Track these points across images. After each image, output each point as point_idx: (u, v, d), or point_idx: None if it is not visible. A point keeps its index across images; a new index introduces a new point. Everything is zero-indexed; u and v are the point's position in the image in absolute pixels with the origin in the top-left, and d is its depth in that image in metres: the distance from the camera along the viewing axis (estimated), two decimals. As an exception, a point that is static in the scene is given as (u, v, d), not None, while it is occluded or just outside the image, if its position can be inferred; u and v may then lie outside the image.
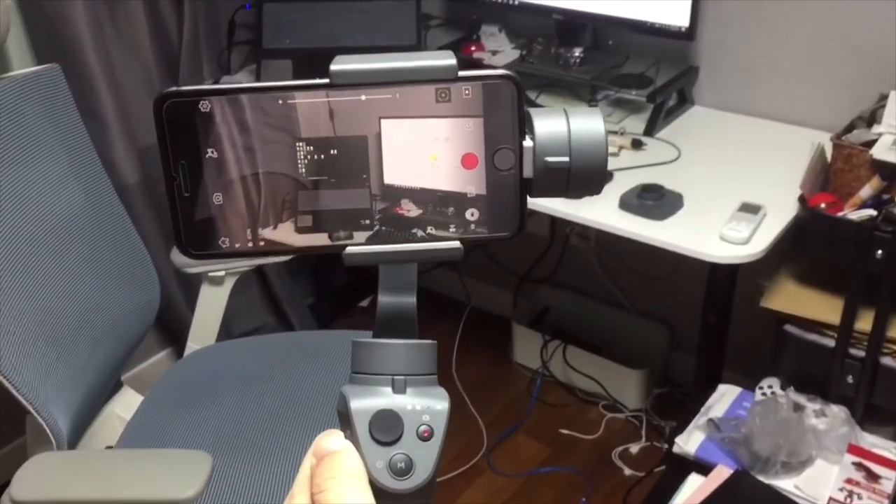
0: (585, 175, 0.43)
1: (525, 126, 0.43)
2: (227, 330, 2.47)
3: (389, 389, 0.43)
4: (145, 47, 2.04)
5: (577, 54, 2.04)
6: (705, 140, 1.89)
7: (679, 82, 1.96)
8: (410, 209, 0.43)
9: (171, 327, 2.28)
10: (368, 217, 0.43)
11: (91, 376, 1.46)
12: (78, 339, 1.42)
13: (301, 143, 0.42)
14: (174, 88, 0.42)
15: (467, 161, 0.42)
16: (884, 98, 1.71)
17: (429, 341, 0.45)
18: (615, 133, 1.88)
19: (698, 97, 2.04)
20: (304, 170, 0.42)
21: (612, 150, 1.84)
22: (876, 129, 1.59)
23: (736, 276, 1.73)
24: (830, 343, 1.63)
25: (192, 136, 0.42)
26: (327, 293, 2.72)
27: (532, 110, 0.43)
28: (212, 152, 0.42)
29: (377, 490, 0.41)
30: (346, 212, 0.43)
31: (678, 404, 2.27)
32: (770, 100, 1.95)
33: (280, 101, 0.42)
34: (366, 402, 0.43)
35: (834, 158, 1.61)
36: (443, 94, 0.41)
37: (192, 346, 1.71)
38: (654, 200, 1.61)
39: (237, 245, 0.43)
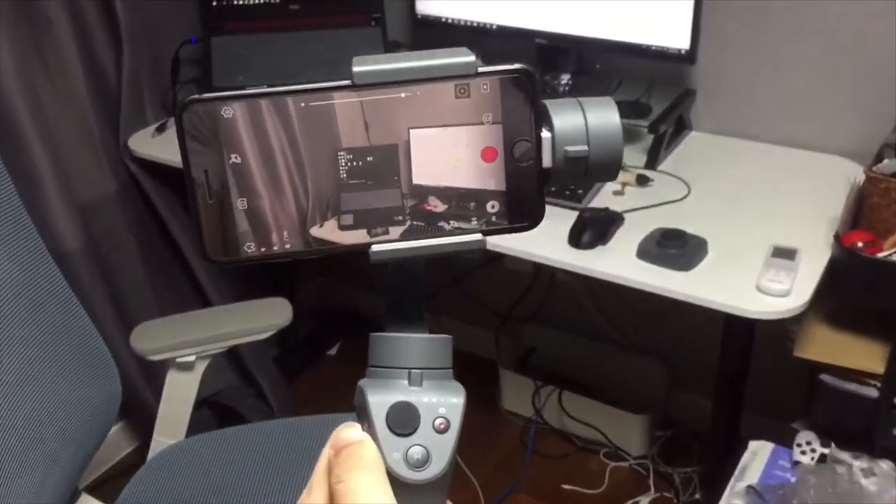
0: (604, 162, 0.45)
1: (542, 117, 0.44)
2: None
3: (406, 382, 0.44)
4: (81, 94, 1.80)
5: (564, 81, 1.87)
6: (712, 170, 1.74)
7: (678, 108, 1.81)
8: (437, 205, 0.44)
9: (133, 420, 2.04)
10: (400, 213, 0.44)
11: (49, 495, 1.23)
12: (29, 457, 1.19)
13: (343, 152, 0.43)
14: (195, 96, 0.41)
15: (487, 155, 0.43)
16: (906, 121, 1.58)
17: (444, 336, 0.45)
18: (616, 168, 1.71)
19: (696, 122, 1.89)
20: (344, 175, 0.43)
21: (615, 187, 1.67)
22: (911, 158, 1.45)
23: (755, 321, 1.58)
24: (872, 393, 1.49)
25: (215, 142, 0.42)
26: (293, 344, 2.50)
27: (547, 102, 0.44)
28: (235, 158, 0.42)
29: (394, 481, 0.42)
30: (379, 210, 0.44)
31: (685, 448, 2.13)
32: (776, 123, 1.81)
33: (303, 104, 0.42)
34: (383, 395, 0.43)
35: (869, 192, 1.47)
36: (462, 90, 0.42)
37: (159, 440, 1.48)
38: (676, 248, 1.45)
39: (263, 249, 0.43)
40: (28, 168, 1.69)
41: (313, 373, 2.51)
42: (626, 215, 1.57)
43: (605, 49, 1.78)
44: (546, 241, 1.53)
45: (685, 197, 1.64)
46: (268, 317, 1.44)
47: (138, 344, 1.40)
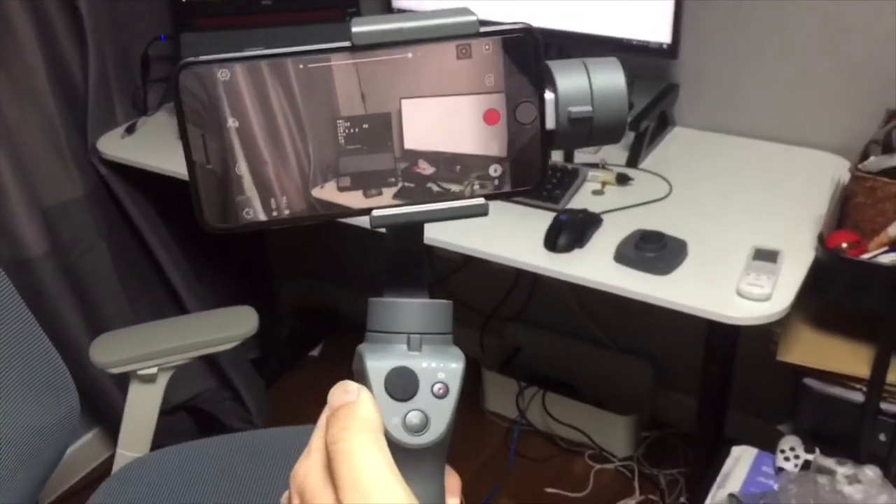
0: (608, 124, 0.43)
1: (545, 78, 0.42)
2: (164, 400, 2.20)
3: (405, 347, 0.44)
4: (45, 96, 1.75)
5: (543, 77, 1.82)
6: (695, 168, 1.69)
7: (661, 104, 1.76)
8: (426, 167, 0.43)
9: (106, 428, 2.00)
10: (393, 175, 0.43)
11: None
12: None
13: (341, 120, 0.42)
14: (192, 58, 0.40)
15: (490, 117, 0.42)
16: (892, 116, 1.53)
17: (445, 301, 0.45)
18: (596, 167, 1.66)
19: (679, 117, 1.84)
20: (342, 140, 0.42)
21: (595, 186, 1.63)
22: (897, 155, 1.40)
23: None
24: (858, 397, 1.45)
25: (213, 106, 0.41)
26: (273, 345, 2.46)
27: (551, 63, 0.43)
28: (234, 121, 0.41)
29: (393, 446, 0.42)
30: (373, 172, 0.43)
31: (671, 450, 2.09)
32: (760, 118, 1.76)
33: (301, 66, 0.41)
34: (381, 360, 0.43)
35: (854, 191, 1.42)
36: (463, 51, 0.41)
37: (122, 453, 1.44)
38: (655, 251, 1.40)
39: (262, 216, 0.42)
40: (-10, 176, 1.64)
41: (295, 374, 2.46)
42: (604, 216, 1.52)
43: (585, 43, 1.73)
44: (522, 245, 1.48)
45: (666, 196, 1.60)
46: (232, 326, 1.39)
47: (98, 357, 1.35)
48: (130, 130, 1.92)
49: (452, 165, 0.43)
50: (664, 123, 1.80)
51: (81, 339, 1.77)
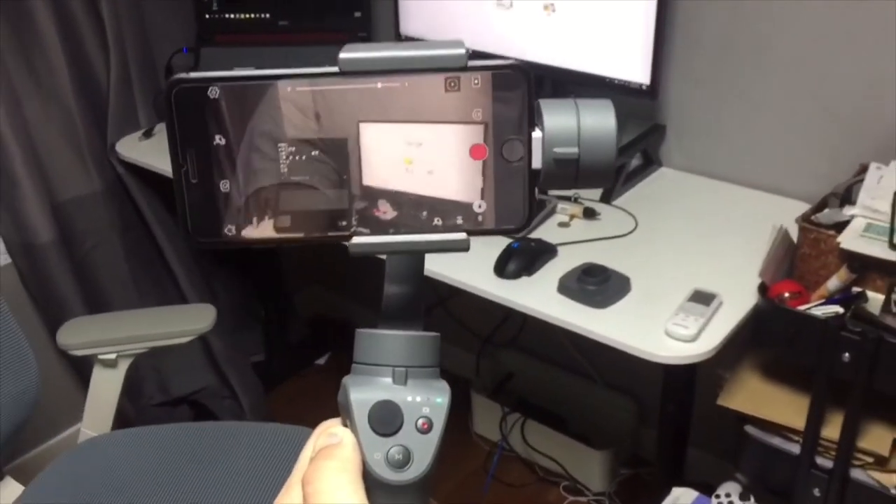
0: (594, 167, 0.43)
1: (535, 117, 0.42)
2: (166, 390, 2.32)
3: (390, 381, 0.43)
4: (67, 95, 1.89)
5: (532, 109, 1.86)
6: (667, 209, 1.71)
7: (642, 143, 1.78)
8: (387, 211, 0.42)
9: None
10: (345, 218, 0.42)
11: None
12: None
13: (283, 145, 0.42)
14: (183, 74, 0.41)
15: (476, 152, 0.42)
16: (863, 170, 1.52)
17: (432, 333, 0.44)
18: (568, 199, 1.70)
19: (666, 158, 1.86)
20: (285, 169, 0.42)
21: (562, 219, 1.66)
22: (849, 209, 1.40)
23: (694, 365, 1.54)
24: (796, 449, 1.44)
25: (201, 122, 0.41)
26: (280, 349, 2.55)
27: (542, 101, 0.43)
28: (219, 139, 0.41)
29: (375, 482, 0.41)
30: (325, 213, 0.42)
31: (645, 487, 2.08)
32: (743, 164, 1.76)
33: (289, 89, 0.41)
34: (366, 393, 0.42)
35: (800, 242, 1.43)
36: (452, 84, 0.41)
37: (85, 432, 1.54)
38: (595, 285, 1.43)
39: (243, 233, 0.42)
40: (3, 164, 1.78)
41: (298, 380, 2.55)
42: (561, 248, 1.56)
43: (570, 79, 1.77)
44: (473, 267, 1.53)
45: (629, 233, 1.62)
46: (190, 322, 1.48)
47: (63, 339, 1.46)
48: (148, 135, 2.05)
49: (437, 200, 0.43)
50: (648, 163, 1.83)
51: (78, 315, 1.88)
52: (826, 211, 1.44)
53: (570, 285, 1.44)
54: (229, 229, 0.42)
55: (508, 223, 0.43)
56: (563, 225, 1.65)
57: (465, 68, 0.41)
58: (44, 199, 1.86)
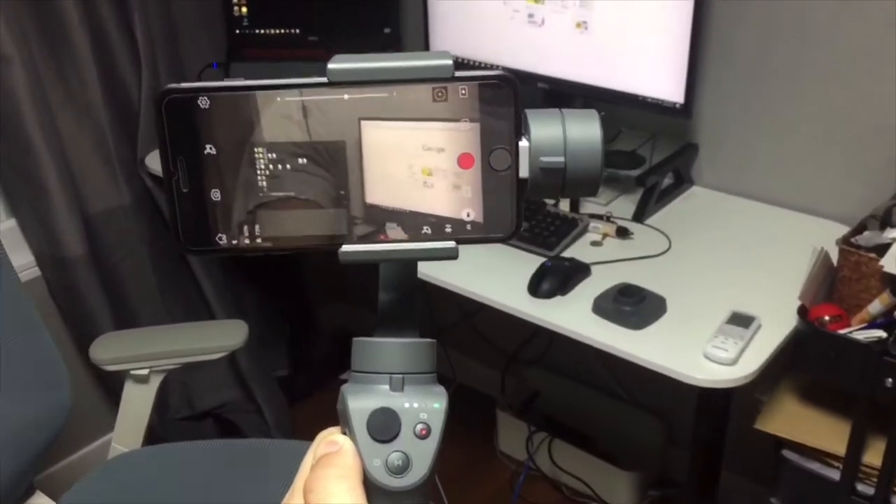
0: (580, 176, 0.44)
1: (522, 126, 0.43)
2: (190, 405, 2.31)
3: (387, 388, 0.44)
4: (99, 110, 1.90)
5: (564, 127, 1.85)
6: (701, 229, 1.69)
7: (675, 162, 1.77)
8: (380, 219, 0.43)
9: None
10: (338, 226, 0.43)
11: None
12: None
13: (260, 149, 0.42)
14: (174, 84, 0.42)
15: (464, 161, 0.42)
16: (902, 191, 1.51)
17: (427, 340, 0.45)
18: (600, 218, 1.68)
19: (698, 177, 1.84)
20: (276, 178, 0.42)
21: (595, 238, 1.65)
22: (890, 232, 1.38)
23: (730, 389, 1.52)
24: (835, 475, 1.41)
25: (192, 132, 0.42)
26: (304, 365, 2.55)
27: (529, 111, 0.43)
28: (210, 148, 0.42)
29: (374, 488, 0.42)
30: (317, 221, 0.43)
31: (674, 510, 2.06)
32: (776, 184, 1.74)
33: (278, 99, 0.41)
34: (363, 401, 0.43)
35: (841, 265, 1.40)
36: (439, 94, 0.42)
37: (116, 447, 1.53)
38: (631, 306, 1.41)
39: (234, 242, 0.43)
40: (35, 175, 1.79)
41: (322, 396, 2.54)
42: (595, 267, 1.55)
43: (603, 97, 1.76)
44: (508, 287, 1.52)
45: (663, 253, 1.60)
46: (222, 338, 1.47)
47: (96, 354, 1.46)
48: (178, 148, 2.04)
49: (426, 208, 0.43)
50: (680, 181, 1.81)
51: (106, 330, 1.88)
52: (866, 233, 1.41)
53: (605, 306, 1.43)
54: (220, 238, 0.43)
55: (497, 231, 0.43)
56: (595, 244, 1.64)
57: (452, 78, 0.42)
58: (75, 212, 1.86)
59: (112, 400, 2.04)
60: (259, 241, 0.43)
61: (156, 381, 1.49)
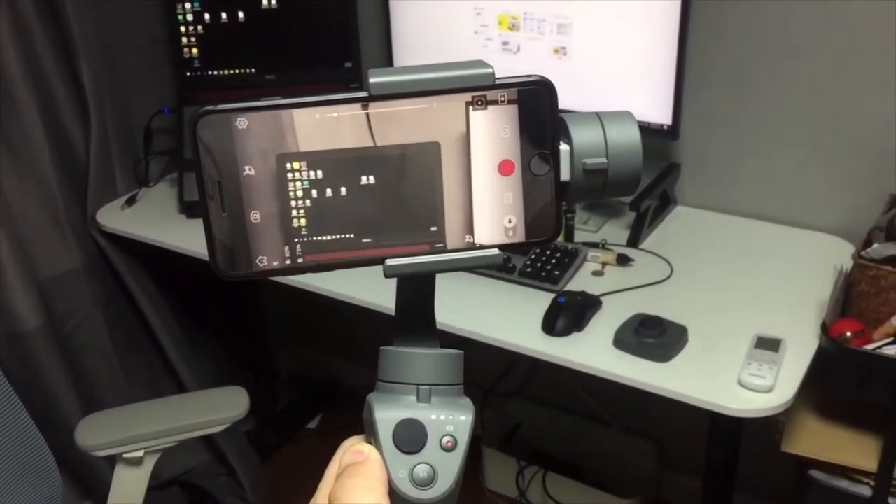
0: (623, 175, 0.44)
1: (560, 130, 0.43)
2: (155, 475, 2.15)
3: (414, 399, 0.43)
4: (46, 168, 1.75)
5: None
6: (697, 249, 1.67)
7: (662, 184, 1.74)
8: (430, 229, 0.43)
9: None
10: (379, 241, 0.43)
11: None
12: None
13: (299, 166, 0.42)
14: (210, 106, 0.40)
15: (504, 168, 0.42)
16: (893, 201, 1.52)
17: (456, 351, 0.45)
18: (597, 246, 1.64)
19: (681, 197, 1.83)
20: (317, 196, 0.42)
21: (595, 267, 1.61)
22: (901, 243, 1.38)
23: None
24: (865, 491, 1.40)
25: (229, 153, 0.41)
26: (269, 418, 2.42)
27: (565, 115, 0.43)
28: (249, 170, 0.41)
29: (399, 500, 0.41)
30: (362, 237, 0.43)
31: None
32: (762, 198, 1.74)
33: (318, 115, 0.41)
34: (390, 412, 0.43)
35: (857, 279, 1.40)
36: (479, 102, 0.41)
37: (108, 537, 1.40)
38: (654, 338, 1.37)
39: (275, 264, 0.42)
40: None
41: (292, 448, 2.42)
42: (604, 298, 1.50)
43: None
44: (520, 327, 1.46)
45: (667, 278, 1.57)
46: (222, 409, 1.37)
47: (83, 440, 1.32)
48: (131, 202, 1.91)
49: (482, 217, 0.43)
50: (666, 202, 1.79)
51: (74, 416, 1.73)
52: (875, 246, 1.41)
53: (627, 339, 1.38)
54: (261, 260, 0.42)
55: (539, 236, 0.44)
56: (597, 274, 1.59)
57: (492, 86, 0.41)
58: (28, 281, 1.71)
59: (84, 484, 1.89)
60: (301, 261, 0.42)
61: (150, 463, 1.37)
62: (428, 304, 0.46)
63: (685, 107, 1.71)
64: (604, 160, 0.43)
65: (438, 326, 1.50)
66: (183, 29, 1.87)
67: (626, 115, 0.45)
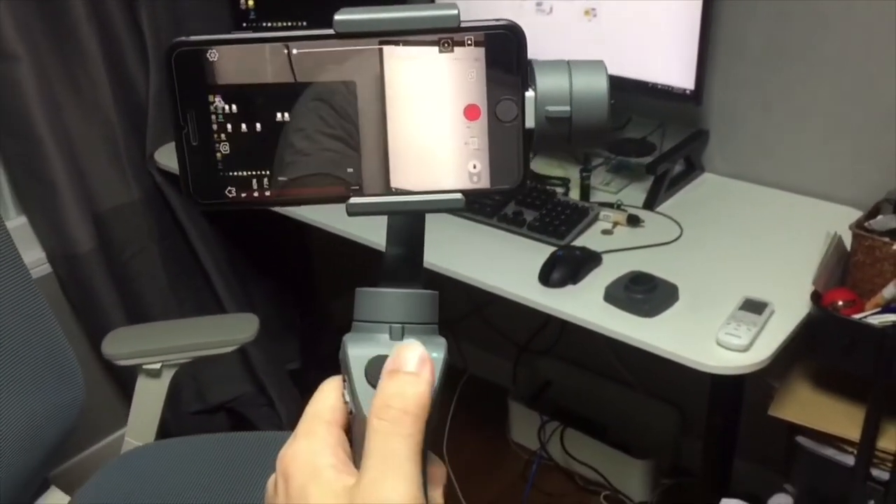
0: (586, 125, 0.44)
1: (528, 77, 0.43)
2: (202, 399, 2.32)
3: (387, 336, 0.44)
4: (108, 107, 1.90)
5: (572, 115, 1.85)
6: (712, 215, 1.68)
7: (685, 149, 1.76)
8: (392, 168, 0.43)
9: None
10: (347, 178, 0.43)
11: (7, 486, 1.29)
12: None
13: (268, 101, 0.42)
14: (183, 38, 0.41)
15: (470, 112, 0.42)
16: (915, 175, 1.49)
17: (429, 291, 0.45)
18: (611, 206, 1.68)
19: (709, 164, 1.83)
20: (287, 130, 0.42)
21: (605, 226, 1.64)
22: (903, 216, 1.37)
23: (743, 375, 1.51)
24: (850, 460, 1.41)
25: (201, 85, 0.42)
26: (315, 358, 2.54)
27: (535, 61, 0.43)
28: (219, 101, 0.42)
29: None
30: (327, 172, 0.43)
31: (689, 498, 2.05)
32: (788, 170, 1.73)
33: (285, 51, 0.41)
34: (362, 349, 0.43)
35: (854, 249, 1.40)
36: (446, 44, 0.41)
37: (130, 441, 1.54)
38: (643, 294, 1.40)
39: (243, 195, 0.43)
40: (45, 173, 1.79)
41: (333, 388, 2.54)
42: (606, 256, 1.54)
43: (613, 84, 1.74)
44: (518, 277, 1.52)
45: (674, 241, 1.60)
46: (233, 331, 1.48)
47: (108, 349, 1.46)
48: (187, 143, 2.05)
49: (445, 160, 0.43)
50: (691, 168, 1.80)
51: (118, 325, 1.88)
52: (880, 217, 1.41)
53: (616, 294, 1.42)
54: (230, 191, 0.43)
55: (503, 183, 0.43)
56: (606, 232, 1.63)
57: (458, 28, 0.41)
58: (84, 209, 1.87)
59: (124, 395, 2.05)
60: (268, 193, 0.43)
61: (168, 375, 1.49)
62: (413, 245, 0.46)
63: (715, 75, 1.72)
64: (567, 108, 0.43)
65: (445, 273, 1.59)
66: (239, -19, 1.98)
67: (597, 65, 0.44)
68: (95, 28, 1.83)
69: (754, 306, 1.36)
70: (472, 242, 1.61)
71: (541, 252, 1.55)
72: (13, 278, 1.33)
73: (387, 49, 0.42)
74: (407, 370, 0.41)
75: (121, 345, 1.47)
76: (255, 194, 0.43)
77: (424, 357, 0.42)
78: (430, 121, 0.43)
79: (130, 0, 1.86)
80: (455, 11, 0.41)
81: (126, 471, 1.46)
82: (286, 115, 0.42)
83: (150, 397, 1.50)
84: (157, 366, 1.46)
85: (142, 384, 1.50)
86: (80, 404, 1.41)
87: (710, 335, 1.32)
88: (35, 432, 1.35)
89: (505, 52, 0.42)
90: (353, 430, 0.43)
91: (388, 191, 0.43)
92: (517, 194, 1.63)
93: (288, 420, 2.28)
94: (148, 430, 1.53)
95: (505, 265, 1.56)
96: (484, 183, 0.43)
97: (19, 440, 1.32)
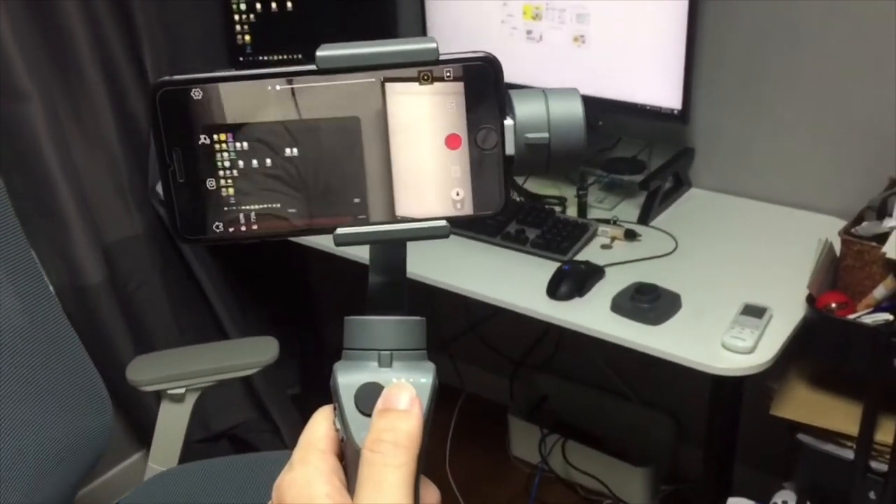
0: (564, 150, 0.45)
1: (506, 105, 0.44)
2: (205, 427, 2.34)
3: (376, 364, 0.45)
4: (111, 140, 1.94)
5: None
6: (704, 228, 1.76)
7: (674, 166, 1.84)
8: (375, 200, 0.45)
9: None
10: (332, 209, 0.45)
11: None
12: (7, 480, 1.28)
13: (252, 137, 0.43)
14: (167, 77, 0.43)
15: (451, 141, 0.44)
16: (893, 183, 1.59)
17: (416, 318, 0.46)
18: (607, 222, 1.75)
19: (696, 179, 1.92)
20: (270, 164, 0.44)
21: (604, 241, 1.72)
22: (888, 221, 1.46)
23: (742, 378, 1.59)
24: (849, 455, 1.48)
25: (186, 123, 0.43)
26: (315, 383, 2.58)
27: (512, 91, 0.45)
28: (204, 139, 0.43)
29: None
30: (312, 205, 0.45)
31: (688, 503, 2.12)
32: (772, 182, 1.83)
33: (269, 88, 0.43)
34: (352, 376, 0.45)
35: (843, 254, 1.48)
36: (425, 77, 0.43)
37: (153, 467, 1.57)
38: (648, 303, 1.48)
39: (230, 230, 0.44)
40: (55, 209, 1.83)
41: (333, 412, 2.57)
42: (608, 269, 1.61)
43: (601, 107, 1.83)
44: (525, 291, 1.58)
45: (671, 252, 1.67)
46: (254, 354, 1.52)
47: (132, 375, 1.50)
48: (187, 175, 2.09)
49: (429, 190, 0.44)
50: (679, 184, 1.89)
51: (126, 356, 1.91)
52: (865, 224, 1.49)
53: (623, 304, 1.50)
54: (217, 226, 0.44)
55: (486, 209, 0.45)
56: (605, 247, 1.70)
57: (437, 62, 0.43)
58: (93, 242, 1.90)
59: (127, 420, 2.09)
60: (255, 227, 0.44)
61: (191, 400, 1.53)
62: (398, 272, 0.47)
63: (698, 94, 1.81)
64: (545, 135, 0.45)
65: (455, 290, 1.65)
66: (237, 17, 2.05)
67: (571, 92, 0.46)
68: (100, 65, 1.88)
69: (754, 311, 1.44)
70: (479, 260, 1.68)
71: (543, 267, 1.62)
72: (43, 307, 1.37)
73: (365, 83, 0.43)
74: (398, 409, 0.42)
75: (144, 371, 1.51)
76: (243, 229, 0.44)
77: (414, 398, 0.43)
78: (414, 151, 0.44)
79: (133, 37, 1.91)
80: (434, 45, 0.43)
81: (151, 496, 1.49)
82: (269, 150, 0.44)
83: (173, 422, 1.54)
84: (182, 390, 1.50)
85: (165, 409, 1.53)
86: (109, 429, 1.45)
87: (716, 339, 1.40)
88: (67, 460, 1.38)
89: (483, 83, 0.43)
90: (346, 457, 0.44)
91: (370, 221, 0.45)
92: (497, 218, 1.71)
93: (291, 445, 2.27)
94: (171, 455, 1.57)
95: (512, 281, 1.62)
96: (467, 209, 0.45)
97: (52, 468, 1.35)
